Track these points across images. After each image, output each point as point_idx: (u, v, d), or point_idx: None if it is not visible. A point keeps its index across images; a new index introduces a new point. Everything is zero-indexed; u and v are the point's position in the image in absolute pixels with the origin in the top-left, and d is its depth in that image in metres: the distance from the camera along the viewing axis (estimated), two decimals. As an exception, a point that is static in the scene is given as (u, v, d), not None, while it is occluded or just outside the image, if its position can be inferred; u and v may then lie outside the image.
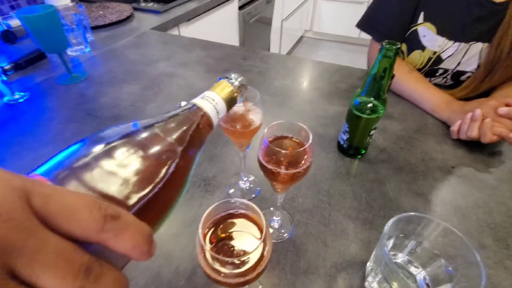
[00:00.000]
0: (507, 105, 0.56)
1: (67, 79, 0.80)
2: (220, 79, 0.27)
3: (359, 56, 2.90)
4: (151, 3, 1.68)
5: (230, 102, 0.26)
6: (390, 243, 0.38)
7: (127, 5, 1.29)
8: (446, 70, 0.74)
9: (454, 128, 0.59)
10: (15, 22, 1.12)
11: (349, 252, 0.42)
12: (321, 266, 0.41)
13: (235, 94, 0.27)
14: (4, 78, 0.73)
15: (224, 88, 0.26)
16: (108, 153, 0.18)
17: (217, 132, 0.63)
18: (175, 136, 0.21)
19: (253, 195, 0.50)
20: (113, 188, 0.16)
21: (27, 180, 0.13)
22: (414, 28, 0.73)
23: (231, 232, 0.27)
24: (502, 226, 0.45)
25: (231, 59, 0.92)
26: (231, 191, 0.51)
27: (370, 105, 0.49)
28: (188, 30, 1.35)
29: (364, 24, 0.78)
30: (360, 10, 2.85)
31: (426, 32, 0.71)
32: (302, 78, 0.84)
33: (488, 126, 0.53)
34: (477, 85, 0.68)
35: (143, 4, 1.61)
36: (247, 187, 0.52)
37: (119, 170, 0.17)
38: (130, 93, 0.76)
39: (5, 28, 1.06)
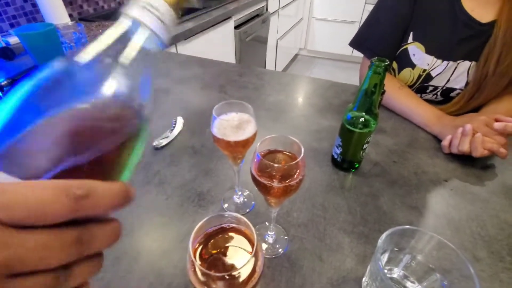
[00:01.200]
0: (496, 120, 0.57)
1: (63, 95, 0.81)
2: None
3: (353, 73, 2.98)
4: (150, 22, 1.72)
5: (177, 6, 0.20)
6: (385, 257, 0.38)
7: (126, 24, 1.32)
8: (436, 87, 0.77)
9: (445, 142, 0.60)
10: (14, 40, 1.14)
11: (344, 267, 0.42)
12: (316, 281, 0.40)
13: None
14: (0, 94, 0.74)
15: None
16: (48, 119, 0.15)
17: (212, 147, 0.63)
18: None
19: (248, 210, 0.50)
20: (66, 151, 0.15)
21: None
22: (404, 47, 0.76)
23: (223, 247, 0.27)
24: (496, 238, 0.46)
25: (227, 75, 0.94)
26: (226, 205, 0.51)
27: (362, 119, 0.51)
28: (186, 48, 1.38)
29: (356, 43, 0.81)
30: (352, 30, 2.97)
31: (416, 51, 0.74)
32: (297, 94, 0.86)
33: (479, 141, 0.55)
34: (466, 102, 0.70)
35: (141, 23, 1.65)
36: (242, 202, 0.51)
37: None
38: (126, 109, 0.76)
39: (4, 45, 1.08)
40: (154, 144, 0.63)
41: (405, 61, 0.76)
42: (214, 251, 0.26)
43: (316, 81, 0.92)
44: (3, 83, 0.83)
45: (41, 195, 0.13)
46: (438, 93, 0.78)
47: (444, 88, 0.76)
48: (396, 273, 0.39)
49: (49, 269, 0.14)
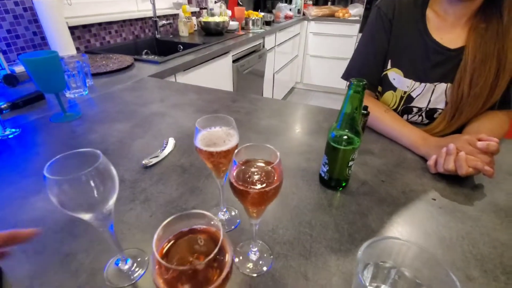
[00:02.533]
0: (479, 139, 0.58)
1: (60, 118, 0.83)
2: None
3: (347, 105, 3.07)
4: (153, 56, 1.83)
5: None
6: (369, 272, 0.36)
7: (128, 56, 1.41)
8: (420, 109, 0.80)
9: (431, 162, 0.61)
10: (19, 68, 1.20)
11: (330, 286, 0.40)
12: (300, 302, 0.38)
13: None
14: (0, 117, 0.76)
15: None
16: None
17: (201, 165, 0.64)
18: None
19: (233, 227, 0.49)
20: None
21: None
22: (384, 72, 0.81)
23: (188, 249, 0.26)
24: (489, 257, 0.44)
25: (221, 101, 0.97)
26: (210, 223, 0.49)
27: (345, 137, 0.52)
28: (184, 78, 1.45)
29: (346, 75, 0.88)
30: (344, 65, 3.12)
31: (395, 76, 0.79)
32: (288, 118, 0.89)
33: (462, 159, 0.55)
34: (449, 122, 0.72)
35: (144, 56, 1.76)
36: (227, 218, 0.50)
37: None
38: (120, 130, 0.78)
39: (8, 72, 1.13)
40: (143, 162, 0.63)
41: (387, 85, 0.82)
42: (179, 254, 0.25)
43: (306, 107, 0.95)
44: (2, 106, 0.86)
45: None
46: (423, 114, 0.82)
47: (427, 109, 0.80)
48: (384, 290, 0.37)
49: None
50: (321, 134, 0.78)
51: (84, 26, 1.53)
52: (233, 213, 0.52)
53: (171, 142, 0.72)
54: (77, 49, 1.51)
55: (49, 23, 1.29)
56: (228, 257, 0.23)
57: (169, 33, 2.12)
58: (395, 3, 0.77)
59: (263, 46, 2.38)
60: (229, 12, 2.38)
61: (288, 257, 0.44)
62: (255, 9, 3.06)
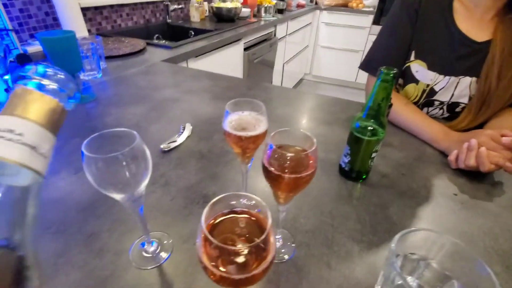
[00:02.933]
0: (503, 135, 0.57)
1: (76, 99, 0.83)
2: (14, 82, 0.16)
3: (356, 98, 3.03)
4: (164, 41, 1.81)
5: (56, 121, 0.16)
6: (398, 263, 0.36)
7: (141, 40, 1.39)
8: (442, 102, 0.79)
9: (452, 157, 0.60)
10: (31, 48, 1.19)
11: (354, 276, 0.40)
12: (324, 289, 0.38)
13: (59, 105, 0.16)
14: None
15: (34, 104, 0.15)
16: None
17: (219, 152, 0.63)
18: None
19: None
20: None
21: None
22: (407, 64, 0.79)
23: (234, 230, 0.26)
24: (510, 253, 0.44)
25: (236, 89, 0.96)
26: (231, 209, 0.49)
27: (370, 127, 0.51)
28: (196, 65, 1.43)
29: (365, 65, 0.85)
30: (356, 58, 3.07)
31: (418, 68, 0.77)
32: (303, 108, 0.88)
33: (484, 155, 0.54)
34: (474, 116, 0.71)
35: (156, 41, 1.74)
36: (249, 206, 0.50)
37: None
38: (135, 114, 0.78)
39: (21, 52, 1.12)
40: (161, 147, 0.63)
41: (409, 78, 0.80)
42: (225, 233, 0.25)
43: (322, 98, 0.94)
44: (18, 86, 0.86)
45: None
46: (445, 108, 0.80)
47: (450, 103, 0.78)
48: (410, 282, 0.37)
49: None
50: (337, 125, 0.77)
51: (96, 8, 1.51)
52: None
53: (188, 127, 0.71)
54: (89, 31, 1.49)
55: (62, 3, 1.27)
56: (271, 248, 0.23)
57: (180, 18, 2.08)
58: None
59: (275, 35, 2.34)
60: (241, -1, 2.33)
61: (311, 246, 0.44)
62: (267, -4, 2.99)
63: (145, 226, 0.39)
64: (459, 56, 0.72)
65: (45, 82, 0.16)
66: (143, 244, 0.41)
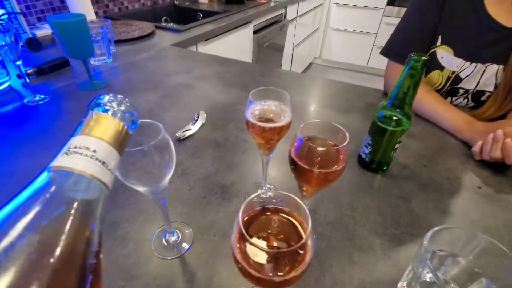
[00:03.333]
0: None
1: (88, 85, 0.82)
2: (89, 109, 0.19)
3: (368, 84, 2.95)
4: (172, 23, 1.77)
5: (121, 142, 0.18)
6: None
7: (149, 23, 1.35)
8: (467, 91, 0.76)
9: (476, 148, 0.58)
10: (40, 32, 1.17)
11: (377, 270, 0.39)
12: (347, 283, 0.38)
13: (125, 129, 0.19)
14: (27, 80, 0.75)
15: (105, 125, 0.18)
16: None
17: (235, 141, 0.62)
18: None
19: (273, 205, 0.48)
20: None
21: None
22: (432, 50, 0.75)
23: (270, 229, 0.25)
24: (541, 250, 0.42)
25: (249, 74, 0.93)
26: (250, 199, 0.49)
27: (395, 117, 0.49)
28: (205, 49, 1.39)
29: (385, 50, 0.81)
30: (368, 41, 2.96)
31: (444, 54, 0.74)
32: (319, 95, 0.85)
33: (510, 147, 0.52)
34: (500, 104, 0.68)
35: (164, 24, 1.69)
36: (267, 196, 0.50)
37: None
38: (148, 101, 0.77)
39: (30, 36, 1.11)
40: (177, 135, 0.62)
41: (434, 64, 0.76)
42: (261, 231, 0.24)
43: (337, 84, 0.91)
44: (29, 71, 0.85)
45: None
46: (469, 97, 0.77)
47: (475, 91, 0.75)
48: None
49: None
50: (354, 113, 0.75)
51: (102, -11, 1.47)
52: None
53: (202, 115, 0.70)
54: (96, 14, 1.45)
55: (68, -16, 1.23)
56: (309, 250, 0.22)
57: (187, -1, 2.02)
58: None
59: (285, 17, 2.26)
60: (250, -22, 2.23)
61: (332, 239, 0.43)
62: (276, -25, 2.86)
63: (167, 217, 0.39)
64: (488, 42, 0.68)
65: (115, 109, 0.19)
66: (165, 235, 0.41)
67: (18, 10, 1.13)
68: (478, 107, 0.73)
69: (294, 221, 0.25)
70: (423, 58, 0.43)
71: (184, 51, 1.13)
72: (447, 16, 0.71)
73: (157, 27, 1.35)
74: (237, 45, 1.70)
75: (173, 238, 0.41)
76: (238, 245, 0.21)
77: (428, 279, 0.36)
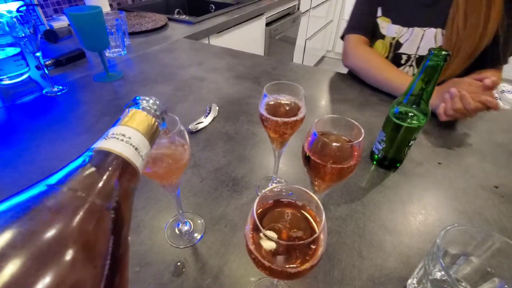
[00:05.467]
0: (481, 79, 0.60)
1: (104, 77, 0.83)
2: (126, 108, 0.22)
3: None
4: (184, 15, 1.77)
5: (152, 135, 0.21)
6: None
7: (162, 15, 1.36)
8: (409, 56, 0.80)
9: (440, 110, 0.62)
10: (57, 24, 1.20)
11: (387, 266, 0.39)
12: (356, 278, 0.38)
13: (155, 124, 0.22)
14: (46, 71, 0.77)
15: (139, 119, 0.21)
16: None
17: (246, 134, 0.63)
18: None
19: (283, 199, 0.49)
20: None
21: None
22: (375, 21, 0.82)
23: (284, 221, 0.25)
24: (559, 253, 0.41)
25: (261, 67, 0.93)
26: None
27: (411, 114, 0.48)
28: (217, 41, 1.39)
29: (347, 29, 0.87)
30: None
31: (384, 24, 0.80)
32: (331, 89, 0.84)
33: (467, 96, 0.57)
34: (447, 65, 0.70)
35: (176, 16, 1.70)
36: (277, 190, 0.50)
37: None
38: (162, 93, 0.78)
39: (48, 28, 1.13)
40: (189, 127, 0.63)
41: (377, 34, 0.83)
42: (274, 223, 0.25)
43: (350, 78, 0.89)
44: (47, 63, 0.87)
45: None
46: (414, 64, 0.81)
47: (417, 56, 0.79)
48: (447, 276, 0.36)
49: None
50: (368, 108, 0.73)
51: (117, -19, 1.48)
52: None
53: (214, 108, 0.70)
54: (110, 6, 1.47)
55: (84, -24, 1.25)
56: (321, 244, 0.22)
57: (199, -10, 2.00)
58: None
59: (298, 8, 2.22)
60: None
61: (342, 234, 0.43)
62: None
63: (180, 207, 0.40)
64: (422, 5, 0.73)
65: (148, 107, 0.22)
66: (178, 224, 0.42)
67: (35, 2, 1.15)
68: None
69: (307, 214, 0.25)
70: (443, 52, 0.42)
71: (197, 43, 1.13)
72: None
73: (169, 19, 1.35)
74: (249, 37, 1.68)
75: (186, 228, 0.42)
76: (251, 236, 0.22)
77: (438, 277, 0.35)
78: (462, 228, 0.32)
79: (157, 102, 0.23)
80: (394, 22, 0.78)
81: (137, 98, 0.22)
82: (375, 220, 0.45)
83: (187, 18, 1.44)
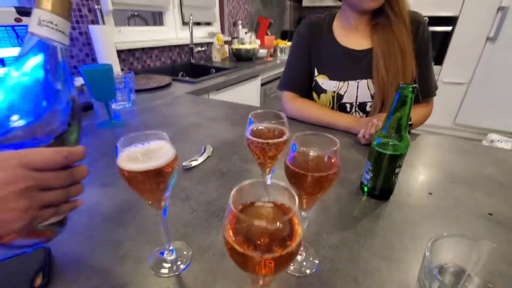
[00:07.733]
0: None
1: (107, 124, 0.89)
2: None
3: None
4: (187, 78, 1.95)
5: (67, 9, 0.26)
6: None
7: (167, 76, 1.51)
8: (351, 104, 0.92)
9: (360, 134, 0.75)
10: (75, 83, 1.32)
11: (384, 293, 0.37)
12: (352, 306, 0.35)
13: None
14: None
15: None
16: None
17: (239, 171, 0.64)
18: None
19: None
20: None
21: (16, 154, 0.26)
22: (315, 79, 0.95)
23: (259, 214, 0.26)
24: None
25: (254, 115, 1.00)
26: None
27: (391, 143, 0.51)
28: (217, 97, 1.52)
29: (282, 85, 1.01)
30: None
31: (323, 80, 0.93)
32: (319, 130, 0.88)
33: (380, 125, 0.63)
34: (380, 107, 0.86)
35: (180, 77, 1.88)
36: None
37: None
38: (161, 137, 0.82)
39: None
40: (183, 164, 0.65)
41: (319, 89, 0.95)
42: (251, 216, 0.25)
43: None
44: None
45: (48, 155, 0.27)
46: (357, 109, 0.93)
47: (358, 103, 0.91)
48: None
49: (59, 187, 0.29)
50: (355, 147, 0.76)
51: (129, 50, 1.69)
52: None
53: (209, 148, 0.74)
54: (121, 70, 1.64)
55: (101, 46, 1.44)
56: (298, 231, 0.23)
57: (202, 58, 2.27)
58: (308, 24, 0.94)
59: (290, 73, 2.46)
60: (258, 42, 2.52)
61: (335, 261, 0.41)
62: (283, 38, 3.22)
63: (167, 232, 0.39)
64: (348, 64, 0.88)
65: None
66: (162, 253, 0.41)
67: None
68: (367, 116, 0.91)
69: (282, 209, 0.26)
70: (411, 85, 0.47)
71: (197, 98, 1.23)
72: (314, 54, 0.93)
73: (174, 79, 1.50)
74: (246, 94, 1.84)
75: (171, 257, 0.40)
76: (229, 226, 0.22)
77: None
78: (450, 239, 0.31)
79: None
80: (331, 78, 0.91)
81: None
82: (368, 248, 0.44)
83: (189, 79, 1.60)
